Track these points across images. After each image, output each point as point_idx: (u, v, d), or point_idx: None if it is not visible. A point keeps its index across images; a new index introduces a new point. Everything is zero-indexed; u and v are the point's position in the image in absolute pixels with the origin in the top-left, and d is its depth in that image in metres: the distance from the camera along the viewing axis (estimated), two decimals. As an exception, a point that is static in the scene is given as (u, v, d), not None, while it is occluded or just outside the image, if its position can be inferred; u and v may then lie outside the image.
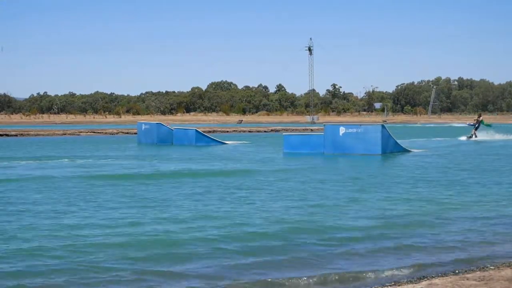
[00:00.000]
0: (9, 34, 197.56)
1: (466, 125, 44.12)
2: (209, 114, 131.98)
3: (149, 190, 14.20)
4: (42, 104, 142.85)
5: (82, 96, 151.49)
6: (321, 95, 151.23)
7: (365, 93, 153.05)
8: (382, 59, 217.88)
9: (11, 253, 8.09)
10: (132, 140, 39.59)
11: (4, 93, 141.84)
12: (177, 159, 23.43)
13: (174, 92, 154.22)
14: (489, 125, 41.41)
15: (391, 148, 25.97)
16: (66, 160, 22.89)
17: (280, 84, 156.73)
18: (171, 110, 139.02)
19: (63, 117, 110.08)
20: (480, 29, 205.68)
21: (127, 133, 50.10)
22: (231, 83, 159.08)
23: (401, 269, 7.56)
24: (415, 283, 6.85)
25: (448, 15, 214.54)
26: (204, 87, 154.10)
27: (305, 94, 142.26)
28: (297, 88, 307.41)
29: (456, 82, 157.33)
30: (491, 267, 7.54)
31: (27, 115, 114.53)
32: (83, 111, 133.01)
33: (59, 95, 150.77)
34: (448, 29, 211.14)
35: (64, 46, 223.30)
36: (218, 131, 53.07)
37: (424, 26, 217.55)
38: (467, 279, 6.84)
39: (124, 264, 7.67)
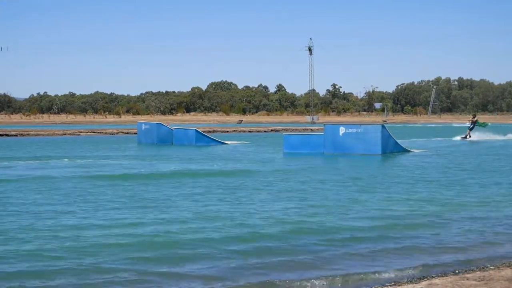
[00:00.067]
0: (9, 34, 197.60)
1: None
2: (209, 114, 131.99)
3: (149, 190, 14.20)
4: (42, 104, 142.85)
5: (82, 96, 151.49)
6: (321, 95, 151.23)
7: (365, 93, 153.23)
8: (382, 59, 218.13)
9: (11, 253, 8.09)
10: (132, 140, 39.59)
11: (4, 93, 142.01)
12: (177, 159, 23.43)
13: (174, 92, 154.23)
14: (484, 125, 41.36)
15: (391, 148, 25.97)
16: (66, 160, 22.89)
17: (280, 84, 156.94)
18: (171, 110, 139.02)
19: (63, 117, 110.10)
20: (480, 29, 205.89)
21: (127, 133, 50.10)
22: (231, 83, 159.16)
23: (401, 269, 7.56)
24: (415, 283, 6.85)
25: (448, 15, 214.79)
26: (204, 87, 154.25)
27: (305, 94, 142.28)
28: (297, 88, 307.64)
29: (456, 82, 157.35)
30: (491, 267, 7.55)
31: (27, 115, 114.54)
32: (83, 111, 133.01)
33: (59, 95, 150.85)
34: (448, 29, 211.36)
35: (64, 46, 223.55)
36: (218, 131, 53.06)
37: (424, 26, 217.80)
38: (467, 279, 6.85)
39: (124, 264, 7.67)
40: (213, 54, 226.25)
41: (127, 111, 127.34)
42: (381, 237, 9.20)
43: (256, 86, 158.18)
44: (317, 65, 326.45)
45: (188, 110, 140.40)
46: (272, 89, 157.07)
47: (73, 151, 28.86)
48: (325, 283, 7.09)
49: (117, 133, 50.95)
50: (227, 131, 54.46)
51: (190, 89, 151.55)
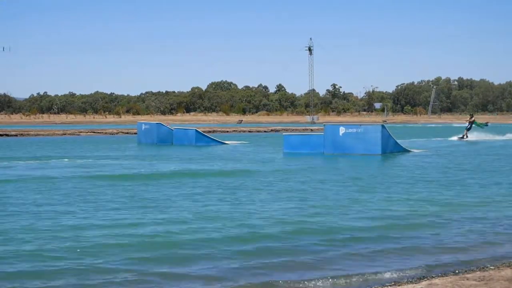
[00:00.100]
0: (9, 34, 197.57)
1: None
2: (209, 114, 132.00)
3: (149, 190, 14.20)
4: (42, 104, 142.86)
5: (82, 96, 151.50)
6: (321, 95, 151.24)
7: (365, 93, 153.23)
8: (382, 59, 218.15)
9: (11, 253, 8.08)
10: (132, 140, 39.59)
11: (4, 93, 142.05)
12: (177, 159, 23.43)
13: (174, 92, 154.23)
14: (482, 125, 41.35)
15: (391, 148, 25.97)
16: (66, 160, 22.89)
17: (280, 84, 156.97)
18: (171, 110, 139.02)
19: (63, 117, 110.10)
20: (480, 29, 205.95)
21: (127, 133, 50.10)
22: (231, 83, 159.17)
23: (401, 269, 7.56)
24: (415, 283, 6.85)
25: (448, 15, 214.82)
26: (204, 87, 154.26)
27: (305, 94, 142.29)
28: (297, 88, 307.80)
29: (456, 82, 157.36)
30: (491, 267, 7.55)
31: (27, 115, 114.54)
32: (83, 111, 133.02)
33: (59, 95, 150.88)
34: (448, 29, 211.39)
35: (64, 46, 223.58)
36: (218, 131, 53.07)
37: (424, 26, 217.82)
38: (467, 279, 6.85)
39: (125, 265, 7.67)
40: (213, 54, 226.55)
41: (127, 111, 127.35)
42: (381, 237, 9.20)
43: (256, 86, 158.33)
44: (317, 65, 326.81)
45: (188, 110, 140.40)
46: (272, 89, 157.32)
47: (73, 151, 28.86)
48: (325, 283, 7.08)
49: (117, 133, 50.95)
50: (227, 131, 54.47)
51: (190, 89, 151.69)
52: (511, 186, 14.92)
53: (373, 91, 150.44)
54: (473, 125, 39.40)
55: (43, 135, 47.62)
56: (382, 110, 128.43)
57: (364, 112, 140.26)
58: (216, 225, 9.89)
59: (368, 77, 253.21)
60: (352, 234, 9.39)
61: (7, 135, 46.07)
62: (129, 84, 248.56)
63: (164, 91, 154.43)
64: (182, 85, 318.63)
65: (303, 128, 60.12)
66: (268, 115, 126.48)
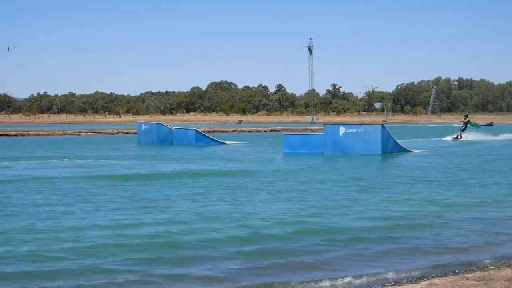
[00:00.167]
0: (9, 34, 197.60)
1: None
2: (209, 114, 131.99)
3: (149, 190, 14.20)
4: (42, 104, 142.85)
5: (82, 96, 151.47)
6: (321, 95, 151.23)
7: (365, 93, 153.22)
8: (382, 59, 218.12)
9: (11, 254, 8.08)
10: (132, 140, 39.60)
11: (4, 93, 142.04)
12: (177, 159, 23.43)
13: (174, 92, 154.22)
14: (477, 126, 41.32)
15: (391, 148, 25.97)
16: (66, 160, 22.88)
17: (280, 84, 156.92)
18: (171, 110, 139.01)
19: (63, 117, 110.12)
20: (480, 29, 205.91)
21: (127, 133, 50.11)
22: (231, 83, 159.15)
23: (401, 269, 7.56)
24: (415, 283, 6.85)
25: (448, 15, 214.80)
26: (204, 87, 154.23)
27: (305, 94, 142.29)
28: (297, 88, 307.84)
29: (456, 82, 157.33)
30: (491, 267, 7.55)
31: (27, 115, 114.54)
32: (83, 111, 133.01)
33: (59, 95, 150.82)
34: (448, 29, 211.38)
35: (64, 46, 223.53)
36: (218, 131, 53.08)
37: (424, 26, 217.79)
38: (467, 279, 6.85)
39: (125, 265, 7.67)
40: (213, 54, 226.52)
41: (127, 111, 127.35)
42: (381, 237, 9.20)
43: (256, 86, 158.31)
44: (317, 65, 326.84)
45: (188, 110, 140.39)
46: (272, 89, 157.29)
47: (73, 151, 28.86)
48: (326, 284, 7.08)
49: (117, 133, 50.96)
50: (227, 131, 54.47)
51: (190, 89, 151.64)
52: (511, 186, 14.92)
53: (373, 91, 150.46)
54: (468, 126, 39.38)
55: (43, 135, 47.63)
56: (382, 110, 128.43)
57: (364, 112, 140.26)
58: (216, 226, 9.89)
59: (368, 77, 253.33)
60: (352, 234, 9.39)
61: (7, 135, 46.07)
62: (129, 84, 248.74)
63: (164, 91, 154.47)
64: (182, 85, 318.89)
65: (303, 128, 60.12)
66: (268, 115, 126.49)
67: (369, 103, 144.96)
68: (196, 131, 34.70)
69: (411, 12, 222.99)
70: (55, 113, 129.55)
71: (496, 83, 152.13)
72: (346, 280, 7.18)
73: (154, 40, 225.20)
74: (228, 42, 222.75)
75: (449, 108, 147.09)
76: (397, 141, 26.71)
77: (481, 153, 26.68)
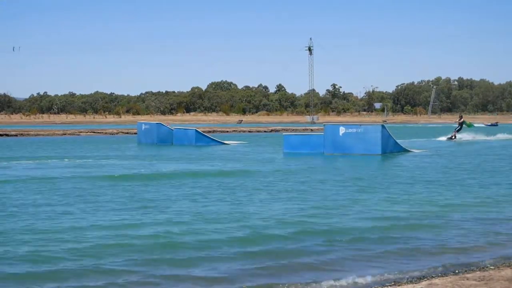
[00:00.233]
0: (9, 34, 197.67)
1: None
2: (209, 114, 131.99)
3: (149, 190, 14.19)
4: (42, 104, 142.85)
5: (82, 96, 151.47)
6: (321, 95, 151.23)
7: (365, 93, 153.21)
8: (382, 59, 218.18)
9: (10, 254, 8.07)
10: (132, 140, 39.59)
11: (4, 93, 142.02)
12: (177, 159, 23.42)
13: (174, 92, 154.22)
14: (470, 125, 41.30)
15: (391, 148, 25.97)
16: (66, 160, 22.88)
17: (280, 84, 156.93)
18: (171, 110, 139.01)
19: (63, 117, 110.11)
20: (480, 29, 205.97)
21: (127, 133, 50.11)
22: (231, 83, 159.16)
23: (401, 270, 7.56)
24: (415, 283, 6.85)
25: (448, 15, 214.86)
26: (204, 87, 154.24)
27: (305, 94, 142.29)
28: (297, 88, 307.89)
29: (456, 82, 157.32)
30: (491, 267, 7.55)
31: (27, 115, 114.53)
32: (83, 111, 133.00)
33: (59, 95, 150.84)
34: (448, 29, 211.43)
35: (64, 46, 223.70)
36: (218, 131, 53.08)
37: (424, 26, 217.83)
38: (467, 279, 6.85)
39: (125, 266, 7.66)
40: (213, 54, 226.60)
41: (127, 111, 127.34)
42: (381, 238, 9.20)
43: (256, 86, 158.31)
44: (317, 65, 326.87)
45: (188, 110, 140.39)
46: (272, 89, 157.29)
47: (73, 151, 28.86)
48: (326, 284, 7.08)
49: (117, 133, 50.95)
50: (227, 131, 54.47)
51: (190, 89, 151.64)
52: (511, 186, 14.92)
53: (373, 91, 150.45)
54: (463, 126, 39.36)
55: (43, 135, 47.62)
56: (382, 110, 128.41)
57: (364, 112, 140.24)
58: (216, 226, 9.89)
59: (368, 77, 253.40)
60: (352, 234, 9.38)
61: (7, 135, 46.07)
62: (129, 84, 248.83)
63: (164, 91, 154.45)
64: (182, 85, 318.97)
65: (303, 128, 60.12)
66: (268, 115, 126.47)
67: (369, 103, 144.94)
68: (196, 131, 34.70)
69: (411, 12, 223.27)
70: (55, 113, 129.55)
71: (496, 83, 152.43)
72: (346, 280, 7.18)
73: (154, 40, 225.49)
74: (228, 42, 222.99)
75: (449, 108, 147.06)
76: (397, 141, 26.70)
77: (481, 153, 26.68)
